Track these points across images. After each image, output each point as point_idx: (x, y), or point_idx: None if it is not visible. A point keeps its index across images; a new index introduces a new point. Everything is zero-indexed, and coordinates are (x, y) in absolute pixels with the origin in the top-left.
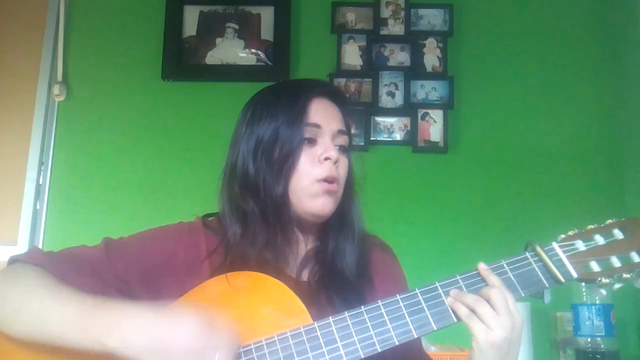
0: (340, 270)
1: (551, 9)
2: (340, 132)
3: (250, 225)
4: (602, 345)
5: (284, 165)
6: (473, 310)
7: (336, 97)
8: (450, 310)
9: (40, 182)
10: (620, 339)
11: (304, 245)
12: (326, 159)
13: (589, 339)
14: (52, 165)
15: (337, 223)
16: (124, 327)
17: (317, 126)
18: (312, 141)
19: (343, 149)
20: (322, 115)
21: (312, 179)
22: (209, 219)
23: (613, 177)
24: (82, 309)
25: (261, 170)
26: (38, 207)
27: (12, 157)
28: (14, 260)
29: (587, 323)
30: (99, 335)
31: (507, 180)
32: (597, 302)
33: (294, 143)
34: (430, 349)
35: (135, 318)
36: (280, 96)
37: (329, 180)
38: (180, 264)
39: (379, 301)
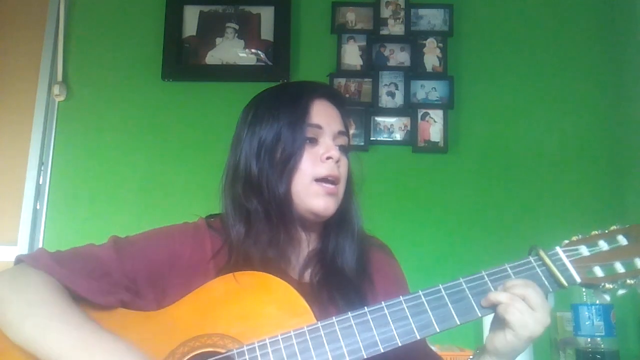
0: (341, 269)
1: (551, 9)
2: (340, 132)
3: (254, 224)
4: (602, 345)
5: (287, 165)
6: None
7: (336, 98)
8: (452, 312)
9: (40, 182)
10: (620, 339)
11: (307, 244)
12: (328, 158)
13: (589, 339)
14: (52, 165)
15: (337, 222)
16: None
17: (319, 127)
18: (313, 141)
19: (343, 149)
20: (323, 116)
21: (312, 178)
22: (212, 220)
23: (613, 176)
24: (82, 337)
25: (264, 170)
26: (38, 207)
27: (12, 157)
28: (20, 261)
29: (587, 323)
30: None
31: (507, 180)
32: (597, 302)
33: (297, 143)
34: (432, 348)
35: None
36: (281, 98)
37: (330, 179)
38: (186, 264)
39: (382, 302)
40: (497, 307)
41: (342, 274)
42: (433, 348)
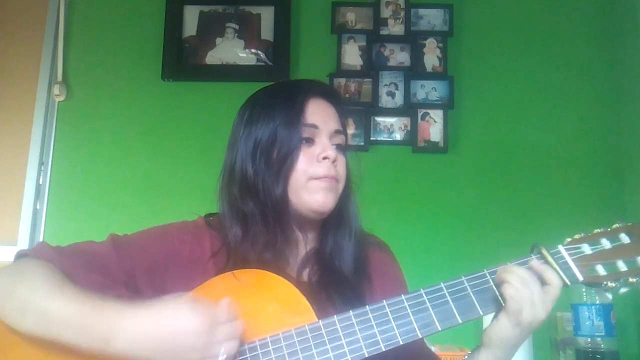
0: (339, 269)
1: (551, 9)
2: (337, 131)
3: (251, 227)
4: (602, 345)
5: (283, 165)
6: (528, 285)
7: (332, 97)
8: (454, 311)
9: (40, 182)
10: (620, 339)
11: (304, 245)
12: (324, 158)
13: (589, 339)
14: (52, 165)
15: (335, 221)
16: (129, 331)
17: (315, 126)
18: (310, 141)
19: (340, 148)
20: (319, 115)
21: (308, 178)
22: (211, 218)
23: (614, 175)
24: (86, 309)
25: (260, 172)
26: (38, 207)
27: (12, 157)
28: (21, 255)
29: (587, 323)
30: (105, 338)
31: (507, 180)
32: (597, 302)
33: (292, 143)
34: (430, 348)
35: (138, 320)
36: (277, 97)
37: (328, 178)
38: (185, 262)
39: (384, 301)
40: (501, 286)
41: (340, 273)
42: (433, 348)
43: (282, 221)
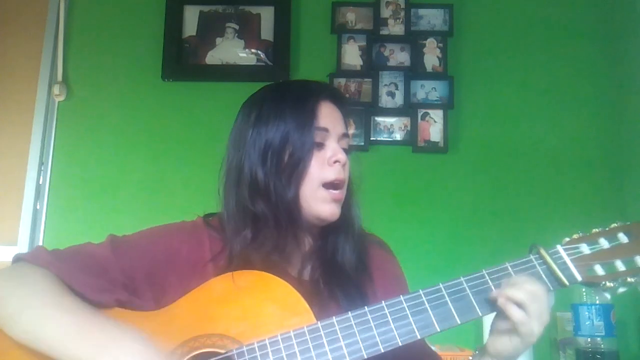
0: (341, 265)
1: (551, 9)
2: (344, 135)
3: (262, 230)
4: (602, 345)
5: (295, 170)
6: (523, 306)
7: (339, 99)
8: (453, 312)
9: (40, 182)
10: (620, 339)
11: (306, 242)
12: (335, 162)
13: (589, 339)
14: (52, 165)
15: (338, 221)
16: (116, 351)
17: (326, 130)
18: (320, 145)
19: (346, 152)
20: (329, 119)
21: (320, 183)
22: (210, 219)
23: (613, 175)
24: (79, 322)
25: (271, 175)
26: (38, 207)
27: (12, 157)
28: (18, 259)
29: (587, 323)
30: (94, 352)
31: (507, 180)
32: (597, 302)
33: (305, 147)
34: (431, 347)
35: (125, 346)
36: (286, 98)
37: (336, 183)
38: (184, 262)
39: (383, 302)
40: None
41: (342, 270)
42: (433, 348)
43: (294, 224)
